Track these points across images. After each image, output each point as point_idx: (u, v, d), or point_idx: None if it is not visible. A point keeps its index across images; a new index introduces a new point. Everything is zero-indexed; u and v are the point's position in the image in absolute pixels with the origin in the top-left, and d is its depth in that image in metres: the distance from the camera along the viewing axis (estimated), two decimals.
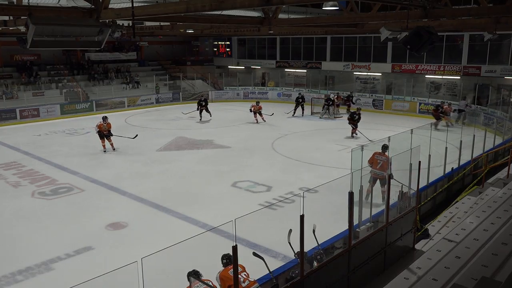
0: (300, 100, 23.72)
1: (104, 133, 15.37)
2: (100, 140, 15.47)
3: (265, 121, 20.84)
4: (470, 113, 19.26)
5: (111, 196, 11.31)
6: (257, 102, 21.39)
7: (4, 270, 7.50)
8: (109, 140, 15.56)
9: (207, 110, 22.29)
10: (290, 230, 5.64)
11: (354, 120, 17.58)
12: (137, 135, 16.53)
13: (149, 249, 4.00)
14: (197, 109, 22.19)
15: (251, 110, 21.15)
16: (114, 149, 15.66)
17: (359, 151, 6.54)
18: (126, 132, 19.17)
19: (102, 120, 15.54)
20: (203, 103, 22.22)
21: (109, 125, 15.49)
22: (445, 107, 20.02)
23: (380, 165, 9.46)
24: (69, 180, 12.55)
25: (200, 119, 21.83)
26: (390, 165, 8.36)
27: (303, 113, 23.62)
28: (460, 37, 23.44)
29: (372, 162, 9.59)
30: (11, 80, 25.27)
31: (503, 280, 4.62)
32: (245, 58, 33.76)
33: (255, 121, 20.82)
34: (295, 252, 5.91)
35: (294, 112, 23.49)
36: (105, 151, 15.45)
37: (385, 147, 9.53)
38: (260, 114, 20.82)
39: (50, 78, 26.80)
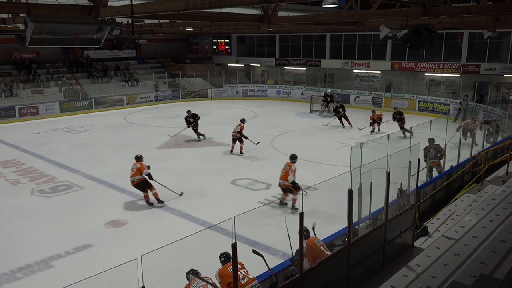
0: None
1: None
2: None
3: (242, 153, 14.87)
4: (469, 111, 19.13)
5: (110, 194, 11.31)
6: (242, 120, 15.25)
7: (3, 267, 7.51)
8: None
9: (196, 131, 17.34)
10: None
11: (339, 113, 19.39)
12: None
13: (149, 246, 4.00)
14: (188, 127, 17.38)
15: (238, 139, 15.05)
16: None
17: (359, 149, 6.53)
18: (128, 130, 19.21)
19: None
20: (191, 120, 17.24)
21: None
22: (376, 114, 18.14)
23: (283, 174, 9.98)
24: (68, 178, 12.54)
25: (199, 139, 17.33)
26: (293, 172, 9.80)
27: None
28: (459, 35, 23.42)
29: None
30: (10, 78, 25.23)
31: (502, 277, 4.63)
32: (245, 56, 33.72)
33: (231, 148, 15.11)
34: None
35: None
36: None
37: (292, 157, 10.20)
38: (241, 141, 14.82)
39: (49, 76, 26.76)
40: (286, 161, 10.25)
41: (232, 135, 14.83)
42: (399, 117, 17.19)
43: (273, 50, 32.03)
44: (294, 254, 5.96)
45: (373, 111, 18.38)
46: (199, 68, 32.64)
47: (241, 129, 14.71)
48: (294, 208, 9.92)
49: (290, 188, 9.92)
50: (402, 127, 16.73)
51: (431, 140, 10.62)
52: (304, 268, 5.65)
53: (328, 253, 5.90)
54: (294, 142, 16.88)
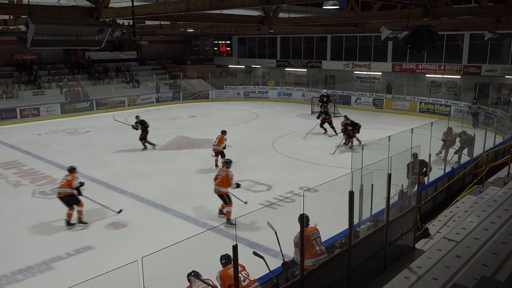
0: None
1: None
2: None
3: (217, 166, 13.10)
4: (471, 112, 18.82)
5: (111, 195, 11.31)
6: (223, 132, 13.60)
7: (4, 269, 7.51)
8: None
9: (143, 139, 15.89)
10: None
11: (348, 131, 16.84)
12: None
13: (149, 248, 4.00)
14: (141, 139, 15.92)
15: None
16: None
17: (360, 150, 6.53)
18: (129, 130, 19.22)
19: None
20: (136, 126, 15.94)
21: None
22: (349, 127, 16.11)
23: (219, 180, 9.47)
24: None
25: (144, 148, 15.94)
26: (232, 179, 9.31)
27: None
28: (460, 36, 23.42)
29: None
30: (11, 79, 25.28)
31: (504, 279, 4.62)
32: (246, 57, 33.75)
33: (215, 162, 13.51)
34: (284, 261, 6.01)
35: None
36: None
37: (226, 162, 9.97)
38: (223, 155, 13.03)
39: (50, 77, 26.81)
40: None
41: (213, 149, 13.34)
42: (351, 127, 15.76)
43: (274, 51, 32.05)
44: (283, 256, 5.99)
45: (346, 117, 16.47)
46: (200, 69, 32.68)
47: (220, 141, 13.15)
48: (229, 222, 8.94)
49: (224, 196, 9.37)
50: (352, 136, 15.70)
51: (415, 156, 8.87)
52: (297, 260, 5.71)
53: (318, 248, 5.86)
54: (295, 143, 16.87)
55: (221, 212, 9.69)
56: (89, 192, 11.57)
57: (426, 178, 10.12)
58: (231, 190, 9.50)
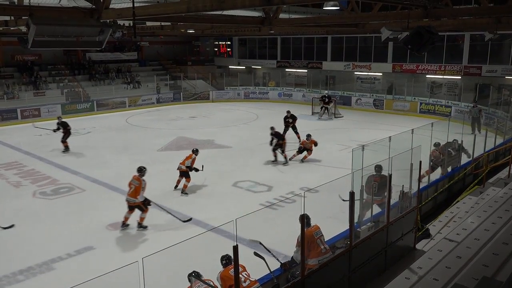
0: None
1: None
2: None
3: (183, 191, 11.35)
4: (471, 116, 17.89)
5: (112, 196, 11.31)
6: (195, 151, 11.84)
7: (5, 269, 7.51)
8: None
9: (63, 141, 15.53)
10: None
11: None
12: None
13: (150, 249, 4.00)
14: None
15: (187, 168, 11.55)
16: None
17: (360, 151, 6.53)
18: (129, 131, 19.27)
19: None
20: (58, 128, 15.57)
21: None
22: (311, 140, 14.35)
23: (132, 189, 8.86)
24: (70, 180, 12.56)
25: (65, 150, 15.65)
26: (144, 188, 8.76)
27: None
28: (461, 37, 23.42)
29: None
30: (12, 80, 25.31)
31: (504, 280, 4.62)
32: (246, 58, 33.77)
33: (176, 183, 11.74)
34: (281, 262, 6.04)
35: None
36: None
37: (140, 170, 9.04)
38: (187, 176, 11.46)
39: (51, 78, 26.84)
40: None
41: (178, 167, 11.55)
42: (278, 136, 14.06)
43: (275, 52, 32.07)
44: (280, 260, 6.00)
45: (308, 136, 14.53)
46: (201, 70, 32.71)
47: (192, 162, 11.48)
48: (141, 226, 9.02)
49: (140, 205, 8.92)
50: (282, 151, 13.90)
51: (378, 169, 7.41)
52: (296, 259, 5.74)
53: (323, 247, 5.87)
54: (295, 144, 16.84)
55: (124, 224, 9.10)
56: (89, 192, 11.62)
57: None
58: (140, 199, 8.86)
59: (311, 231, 5.79)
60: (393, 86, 25.88)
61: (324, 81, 29.56)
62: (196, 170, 11.43)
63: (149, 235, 8.90)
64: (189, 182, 11.39)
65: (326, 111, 22.87)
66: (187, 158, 11.56)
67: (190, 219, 9.26)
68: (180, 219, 9.10)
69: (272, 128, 14.45)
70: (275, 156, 14.15)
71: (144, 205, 8.90)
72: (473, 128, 16.88)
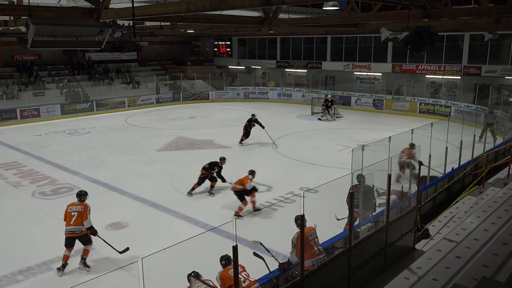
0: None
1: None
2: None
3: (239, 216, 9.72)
4: (486, 122, 16.32)
5: (111, 196, 11.31)
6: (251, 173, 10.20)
7: (4, 269, 7.50)
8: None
9: None
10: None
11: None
12: None
13: (150, 249, 4.00)
14: None
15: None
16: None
17: (360, 151, 6.53)
18: (128, 132, 19.29)
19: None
20: None
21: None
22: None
23: (74, 218, 7.51)
24: (69, 180, 12.55)
25: None
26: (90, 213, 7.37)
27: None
28: (460, 37, 23.43)
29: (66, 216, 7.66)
30: (11, 80, 25.29)
31: (504, 280, 4.63)
32: (246, 58, 33.77)
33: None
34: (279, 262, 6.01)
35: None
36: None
37: (79, 194, 7.87)
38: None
39: (50, 78, 26.82)
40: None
41: (232, 188, 10.20)
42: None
43: (274, 52, 32.07)
44: (278, 260, 6.00)
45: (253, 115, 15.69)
46: (200, 70, 32.70)
47: (243, 181, 9.99)
48: (85, 265, 7.28)
49: (88, 235, 7.53)
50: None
51: (361, 179, 6.50)
52: (292, 260, 5.79)
53: (317, 248, 5.86)
54: (295, 144, 16.87)
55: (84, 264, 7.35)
56: (89, 193, 11.57)
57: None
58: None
59: (305, 232, 5.79)
60: (392, 86, 25.87)
61: (324, 81, 29.57)
62: (223, 180, 11.01)
63: (149, 235, 8.89)
64: (245, 205, 9.87)
65: (327, 113, 22.90)
66: (243, 179, 9.99)
67: (127, 249, 7.56)
68: (117, 250, 7.50)
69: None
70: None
71: (93, 233, 7.52)
72: (482, 135, 15.17)
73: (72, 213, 7.52)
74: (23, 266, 7.64)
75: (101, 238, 7.51)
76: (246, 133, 16.60)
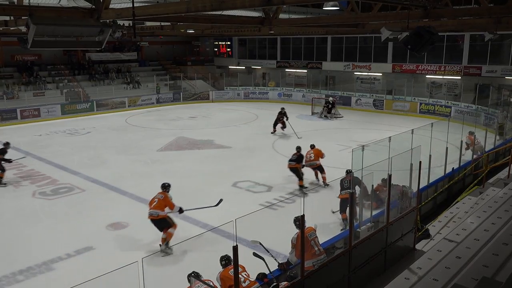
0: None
1: None
2: None
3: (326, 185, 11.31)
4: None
5: (111, 196, 11.31)
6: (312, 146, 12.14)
7: (4, 270, 7.50)
8: None
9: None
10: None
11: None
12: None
13: (150, 249, 4.00)
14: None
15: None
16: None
17: (360, 151, 6.53)
18: (127, 132, 19.28)
19: None
20: None
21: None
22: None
23: (154, 204, 8.19)
24: (69, 180, 12.55)
25: None
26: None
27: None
28: (460, 37, 23.43)
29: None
30: (12, 80, 25.30)
31: (504, 280, 4.62)
32: (246, 58, 33.77)
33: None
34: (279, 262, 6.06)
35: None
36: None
37: (163, 186, 8.60)
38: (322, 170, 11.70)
39: (50, 78, 26.82)
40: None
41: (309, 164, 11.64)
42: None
43: (274, 52, 32.07)
44: (278, 260, 6.00)
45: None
46: (201, 70, 32.70)
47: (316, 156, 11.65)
48: (167, 247, 7.61)
49: (163, 220, 8.06)
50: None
51: (348, 171, 7.89)
52: (291, 260, 5.80)
53: (317, 248, 5.86)
54: (295, 144, 16.82)
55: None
56: (89, 193, 11.61)
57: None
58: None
59: (305, 232, 5.79)
60: (393, 86, 25.86)
61: (324, 81, 29.56)
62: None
63: (149, 235, 8.88)
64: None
65: (327, 113, 22.92)
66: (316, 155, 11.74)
67: (221, 201, 8.86)
68: (212, 206, 8.82)
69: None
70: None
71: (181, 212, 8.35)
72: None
73: (155, 199, 8.32)
74: (23, 266, 7.64)
75: (191, 209, 8.55)
76: (275, 124, 18.81)
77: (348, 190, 7.95)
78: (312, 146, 12.14)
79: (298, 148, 11.87)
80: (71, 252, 8.15)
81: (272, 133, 18.60)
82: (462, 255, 5.62)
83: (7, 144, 12.68)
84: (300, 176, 11.45)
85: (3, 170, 12.35)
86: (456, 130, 12.44)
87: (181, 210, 8.39)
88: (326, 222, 8.93)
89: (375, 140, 13.56)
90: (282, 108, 19.08)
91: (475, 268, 5.05)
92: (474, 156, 12.20)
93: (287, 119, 18.72)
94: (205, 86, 31.17)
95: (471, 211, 8.27)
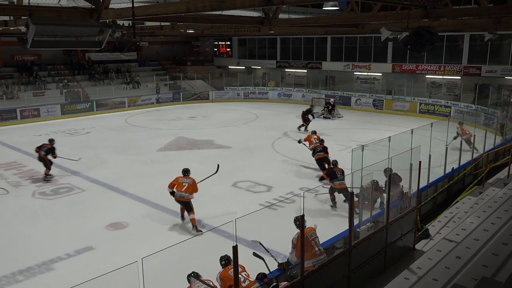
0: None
1: None
2: None
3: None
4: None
5: (111, 196, 11.31)
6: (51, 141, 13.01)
7: (4, 270, 7.50)
8: None
9: None
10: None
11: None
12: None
13: (150, 249, 4.00)
14: None
15: None
16: None
17: (360, 151, 6.53)
18: (127, 132, 19.30)
19: None
20: None
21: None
22: None
23: (185, 187, 8.98)
24: (69, 180, 12.55)
25: None
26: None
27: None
28: (460, 37, 23.43)
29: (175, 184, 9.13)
30: (11, 80, 25.29)
31: (504, 280, 4.63)
32: (246, 58, 33.77)
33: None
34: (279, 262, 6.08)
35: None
36: None
37: (185, 171, 9.39)
38: (47, 165, 12.43)
39: (50, 78, 26.82)
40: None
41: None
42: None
43: (274, 52, 32.07)
44: (278, 260, 6.01)
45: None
46: (200, 70, 32.69)
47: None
48: (197, 230, 8.84)
49: (190, 203, 9.02)
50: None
51: (334, 163, 10.56)
52: (292, 260, 5.80)
53: (317, 249, 5.86)
54: (295, 144, 16.84)
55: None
56: (89, 193, 11.60)
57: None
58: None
59: (305, 232, 5.79)
60: (392, 86, 25.87)
61: (324, 82, 29.56)
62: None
63: (149, 235, 8.89)
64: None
65: (327, 113, 22.93)
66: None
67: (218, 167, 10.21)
68: (214, 173, 10.16)
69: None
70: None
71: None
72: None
73: (184, 183, 9.02)
74: (23, 266, 7.64)
75: (202, 180, 9.43)
76: (305, 121, 19.46)
77: (343, 181, 9.64)
78: (314, 132, 14.03)
79: (322, 140, 13.04)
80: (71, 252, 8.15)
81: (305, 130, 18.85)
82: (462, 255, 5.63)
83: (52, 141, 13.09)
84: (325, 167, 11.80)
85: (49, 166, 12.61)
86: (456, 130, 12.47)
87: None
88: (326, 222, 8.93)
89: (374, 140, 13.56)
90: (312, 106, 20.64)
91: (475, 268, 5.05)
92: (474, 156, 12.21)
93: (313, 118, 19.60)
94: (204, 86, 31.17)
95: (470, 211, 8.27)
